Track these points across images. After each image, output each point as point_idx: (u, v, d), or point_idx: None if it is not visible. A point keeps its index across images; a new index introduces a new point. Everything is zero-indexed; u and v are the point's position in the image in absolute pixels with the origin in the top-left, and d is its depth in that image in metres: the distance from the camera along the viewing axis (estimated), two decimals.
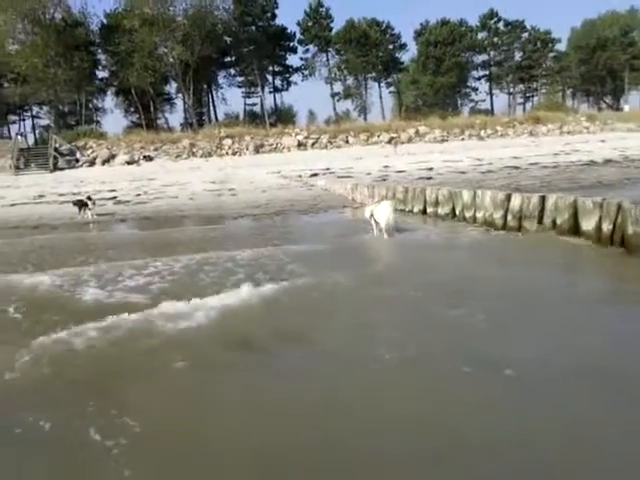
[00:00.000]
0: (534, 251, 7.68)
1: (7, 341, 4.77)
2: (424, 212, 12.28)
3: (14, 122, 59.76)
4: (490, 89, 65.54)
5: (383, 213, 9.36)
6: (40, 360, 4.23)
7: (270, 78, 62.37)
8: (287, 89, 64.16)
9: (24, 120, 60.41)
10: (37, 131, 57.09)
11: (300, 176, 24.31)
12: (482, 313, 4.82)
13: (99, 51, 53.72)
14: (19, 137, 40.73)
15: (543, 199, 8.51)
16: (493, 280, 6.32)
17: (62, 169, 33.97)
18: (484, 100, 65.63)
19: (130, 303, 5.81)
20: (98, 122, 56.40)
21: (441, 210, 11.57)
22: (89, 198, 16.99)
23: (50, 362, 4.21)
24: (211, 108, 60.30)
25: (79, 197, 18.16)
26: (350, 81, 63.76)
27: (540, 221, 8.47)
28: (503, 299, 5.42)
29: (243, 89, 63.68)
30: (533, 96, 68.67)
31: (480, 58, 64.47)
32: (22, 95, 47.07)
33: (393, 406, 3.37)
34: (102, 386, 3.87)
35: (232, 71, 61.27)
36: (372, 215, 9.67)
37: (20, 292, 6.61)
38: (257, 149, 37.87)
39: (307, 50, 61.98)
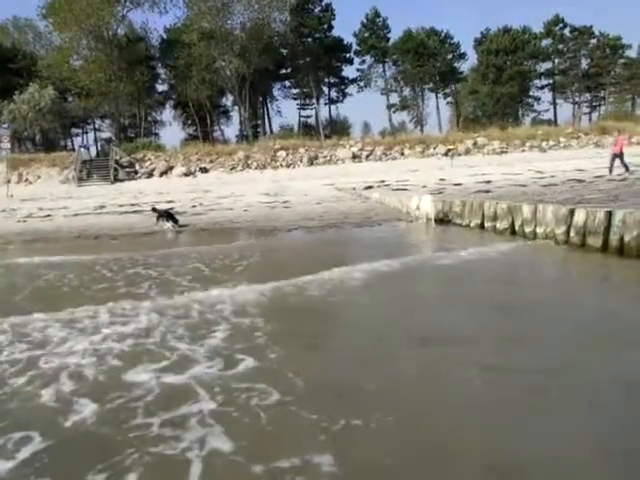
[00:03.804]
0: None
1: None
2: (482, 226, 11.68)
3: (77, 135, 62.40)
4: (553, 98, 62.77)
5: (424, 205, 13.29)
6: None
7: (325, 90, 62.37)
8: (342, 101, 64.05)
9: (87, 133, 63.05)
10: (99, 144, 59.02)
11: (354, 188, 23.85)
12: None
13: (159, 65, 55.33)
14: (82, 149, 41.97)
15: (609, 215, 7.89)
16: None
17: (122, 180, 34.98)
18: (547, 110, 62.95)
19: None
20: (156, 134, 58.17)
21: (499, 225, 10.90)
22: (169, 212, 16.37)
23: None
24: (266, 120, 61.00)
25: (157, 207, 17.56)
26: (407, 92, 63.01)
27: (606, 238, 7.88)
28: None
29: (298, 101, 63.91)
30: (600, 105, 65.11)
31: (544, 66, 61.77)
32: (85, 109, 48.86)
33: None
34: None
35: (287, 83, 61.72)
36: (418, 207, 13.74)
37: None
38: (311, 161, 37.79)
39: (363, 61, 61.50)
